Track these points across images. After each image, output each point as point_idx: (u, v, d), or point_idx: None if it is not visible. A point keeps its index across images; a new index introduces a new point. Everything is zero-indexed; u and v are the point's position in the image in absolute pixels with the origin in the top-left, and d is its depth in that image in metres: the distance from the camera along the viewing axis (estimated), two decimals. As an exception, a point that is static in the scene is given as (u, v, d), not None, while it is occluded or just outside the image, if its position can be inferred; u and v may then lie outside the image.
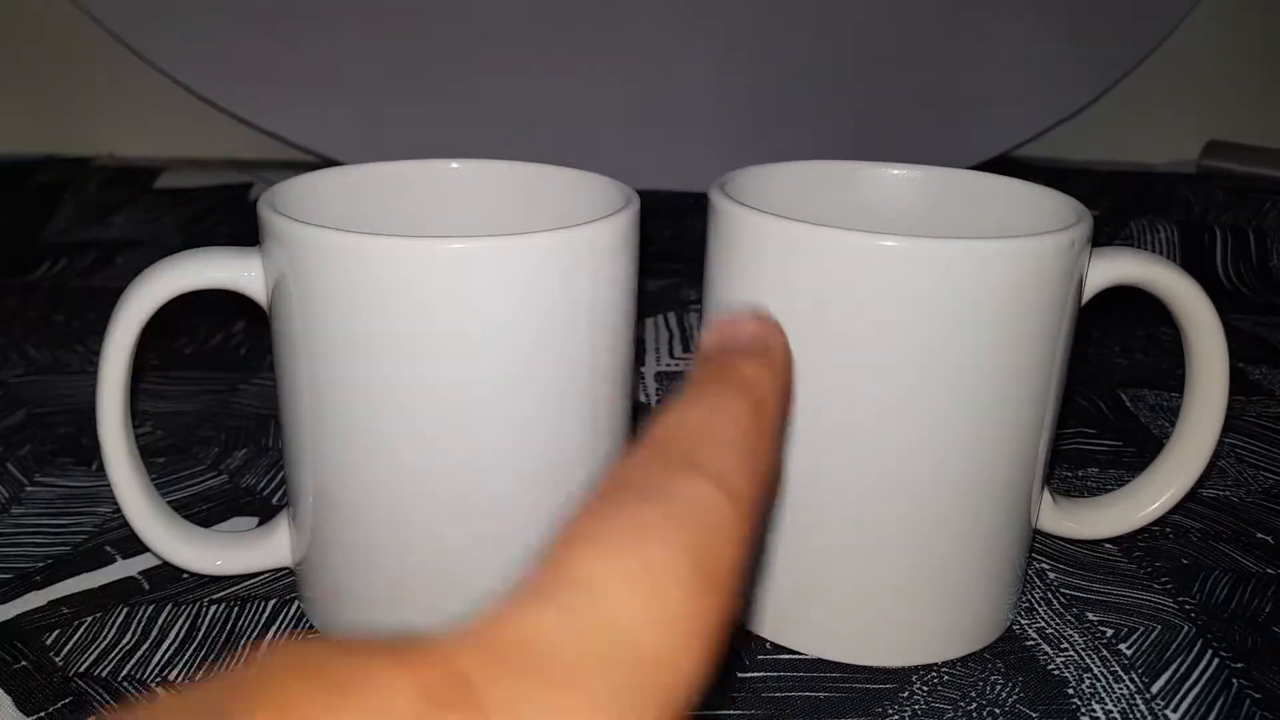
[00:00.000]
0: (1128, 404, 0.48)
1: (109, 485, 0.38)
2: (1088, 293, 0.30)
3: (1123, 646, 0.31)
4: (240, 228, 0.68)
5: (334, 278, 0.26)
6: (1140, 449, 0.44)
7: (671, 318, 0.57)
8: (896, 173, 0.35)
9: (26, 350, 0.50)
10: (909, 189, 0.35)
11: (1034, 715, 0.28)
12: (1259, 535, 0.37)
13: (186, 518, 0.32)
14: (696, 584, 0.14)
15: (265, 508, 0.38)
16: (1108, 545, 0.36)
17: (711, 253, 0.30)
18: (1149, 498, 0.32)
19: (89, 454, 0.41)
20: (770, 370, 0.18)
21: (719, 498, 0.15)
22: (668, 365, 0.51)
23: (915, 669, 0.30)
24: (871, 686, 0.29)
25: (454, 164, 0.34)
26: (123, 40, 0.75)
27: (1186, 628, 0.32)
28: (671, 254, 0.65)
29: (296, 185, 0.31)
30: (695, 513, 0.15)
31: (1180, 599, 0.33)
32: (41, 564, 0.34)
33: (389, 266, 0.26)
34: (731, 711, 0.28)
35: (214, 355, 0.51)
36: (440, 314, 0.26)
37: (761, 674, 0.30)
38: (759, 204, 0.29)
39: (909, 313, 0.27)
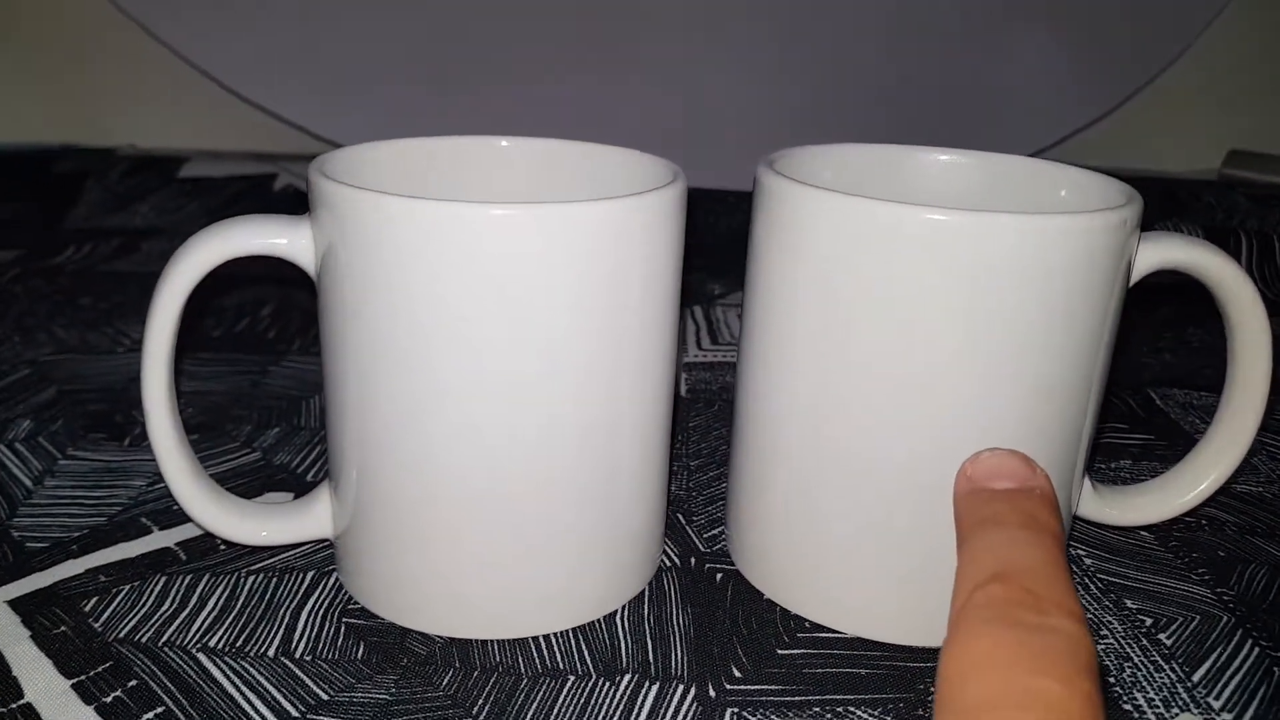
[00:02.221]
0: (1158, 402, 0.48)
1: (143, 460, 0.38)
2: (1135, 275, 0.30)
3: (1162, 636, 0.31)
4: (265, 217, 0.68)
5: (384, 243, 0.26)
6: (1172, 443, 0.44)
7: (699, 311, 0.57)
8: (944, 157, 0.35)
9: (54, 331, 0.51)
10: (957, 173, 0.35)
11: (1077, 698, 0.28)
12: (1294, 530, 0.37)
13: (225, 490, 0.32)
14: (1098, 704, 0.17)
15: (299, 484, 0.38)
16: (1144, 534, 0.36)
17: (757, 233, 0.30)
18: (1190, 483, 0.32)
19: (121, 430, 0.41)
20: (1051, 507, 0.21)
21: (1084, 630, 0.18)
22: (695, 357, 0.51)
23: (956, 651, 0.30)
24: (912, 664, 0.29)
25: (503, 141, 0.34)
26: (147, 29, 0.76)
27: (1225, 618, 0.32)
28: (696, 248, 0.65)
29: (347, 154, 0.31)
30: (1078, 645, 0.18)
31: (1219, 590, 0.33)
32: (78, 534, 0.34)
33: (440, 231, 0.26)
34: (771, 686, 0.28)
35: (242, 338, 0.51)
36: (489, 281, 0.26)
37: (802, 650, 0.30)
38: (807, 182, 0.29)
39: (960, 288, 0.27)
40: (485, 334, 0.26)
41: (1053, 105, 0.81)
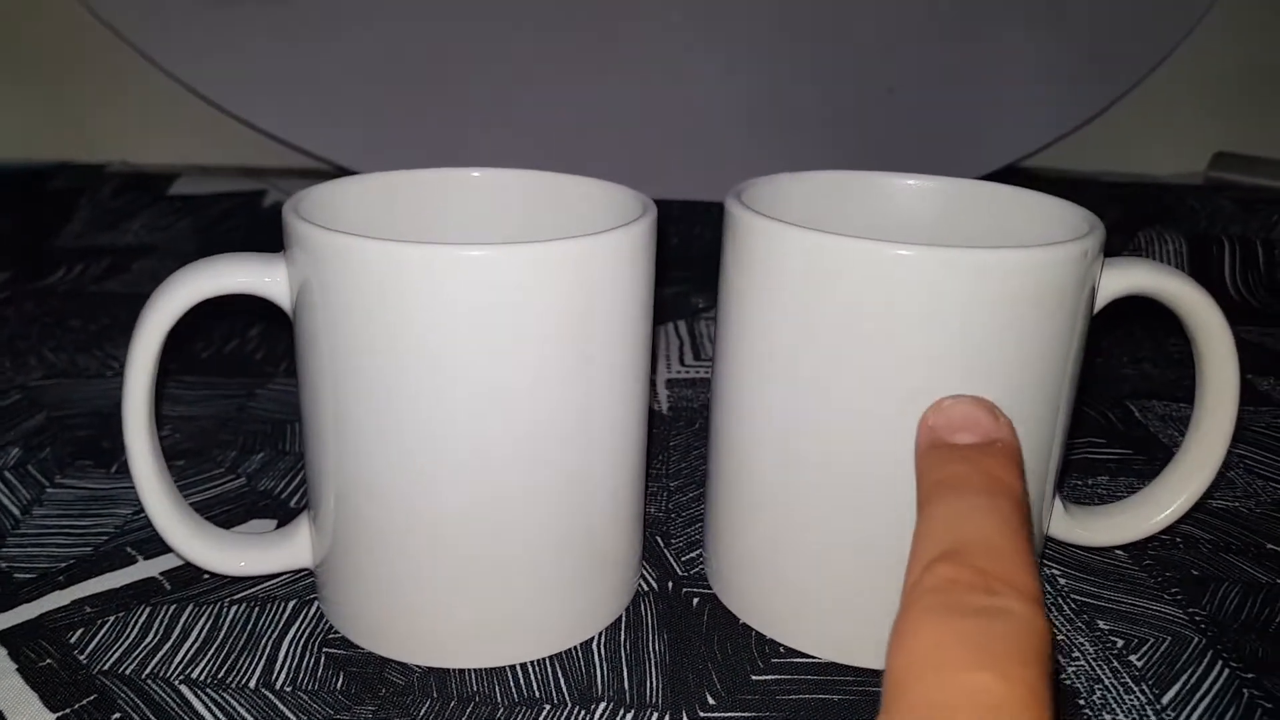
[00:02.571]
0: (1137, 414, 0.48)
1: (129, 488, 0.38)
2: (1100, 302, 0.30)
3: (1133, 658, 0.31)
4: (254, 234, 0.69)
5: (358, 284, 0.26)
6: (1150, 458, 0.44)
7: (681, 325, 0.57)
8: (911, 183, 0.35)
9: (44, 354, 0.51)
10: (923, 199, 0.35)
11: (1046, 721, 0.28)
12: (1269, 546, 0.38)
13: (208, 520, 0.32)
14: (1041, 692, 0.17)
15: (283, 510, 0.38)
16: (1119, 553, 0.37)
17: (727, 263, 0.31)
18: (1160, 505, 0.33)
19: (109, 457, 0.41)
20: (1013, 462, 0.20)
21: (1034, 610, 0.18)
22: (678, 373, 0.52)
23: (928, 674, 0.30)
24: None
25: (474, 173, 0.35)
26: (136, 46, 0.76)
27: (1197, 639, 0.32)
28: (680, 261, 0.66)
29: (319, 192, 0.31)
30: (1025, 629, 0.17)
31: (1190, 610, 0.34)
32: (64, 564, 0.34)
33: (412, 273, 0.26)
34: (744, 714, 0.28)
35: (230, 360, 0.51)
36: (462, 320, 0.26)
37: (775, 676, 0.30)
38: (775, 213, 0.29)
39: (925, 321, 0.27)
40: (458, 371, 0.27)
41: (1039, 110, 0.82)
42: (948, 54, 0.79)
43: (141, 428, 0.29)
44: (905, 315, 0.27)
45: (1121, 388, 0.51)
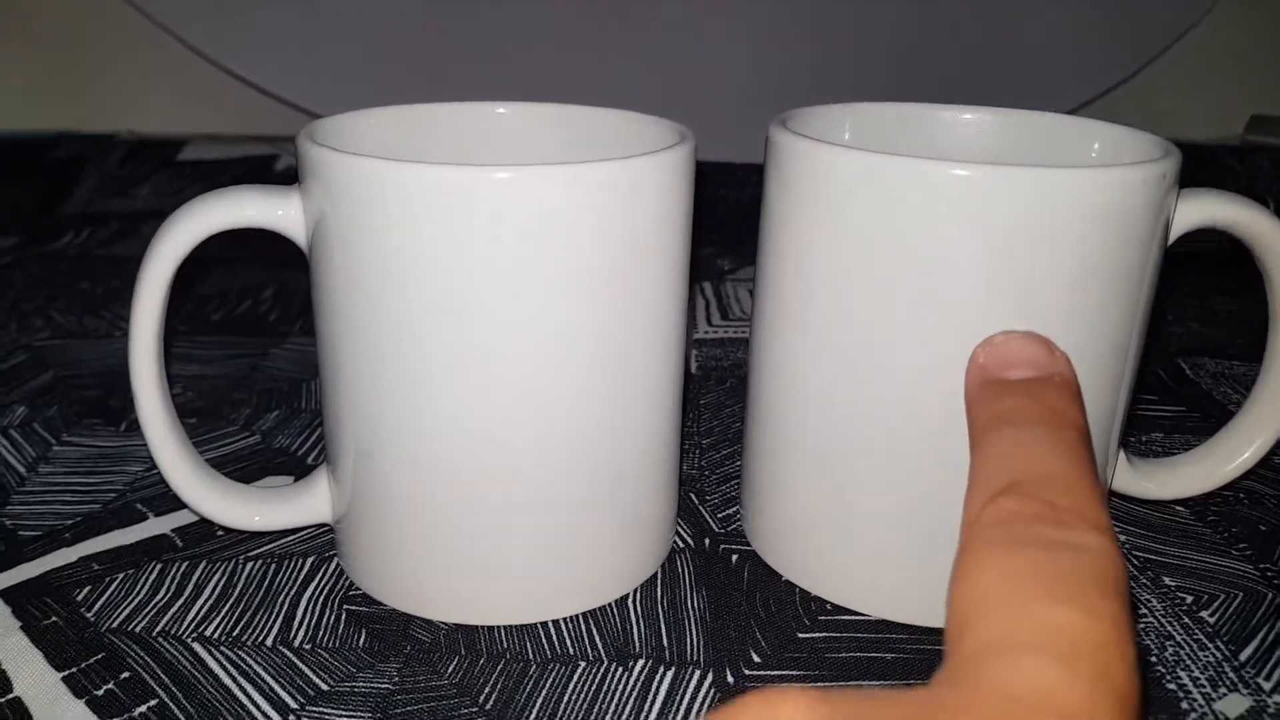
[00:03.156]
0: (1188, 372, 0.46)
1: (139, 445, 0.37)
2: (1174, 233, 0.28)
3: (1205, 614, 0.29)
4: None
5: (378, 212, 0.25)
6: (1205, 415, 0.42)
7: (708, 287, 0.56)
8: (968, 115, 0.33)
9: (52, 315, 0.49)
10: (981, 132, 0.33)
11: (1116, 680, 0.27)
12: (1336, 502, 0.36)
13: (218, 473, 0.30)
14: (1127, 629, 0.15)
15: (300, 467, 0.36)
16: (1180, 509, 0.35)
17: (771, 194, 0.29)
18: (1232, 453, 0.31)
19: (118, 415, 0.39)
20: (1073, 396, 0.19)
21: (1109, 542, 0.16)
22: (706, 333, 0.50)
23: (987, 632, 0.28)
24: (940, 647, 0.28)
25: (500, 108, 0.33)
26: (143, 11, 0.74)
27: (1271, 595, 0.30)
28: (708, 225, 0.64)
29: (339, 122, 0.29)
30: (1102, 561, 0.16)
31: (1261, 565, 0.32)
32: (71, 521, 0.33)
33: (436, 197, 0.24)
34: (792, 672, 0.27)
35: (242, 321, 0.49)
36: (489, 249, 0.25)
37: (824, 634, 0.28)
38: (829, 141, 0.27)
39: (988, 249, 0.25)
40: (486, 306, 0.25)
41: (1072, 71, 0.79)
42: (979, 15, 0.77)
43: (150, 369, 0.27)
44: (963, 242, 0.25)
45: (1170, 345, 0.49)
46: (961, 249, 0.25)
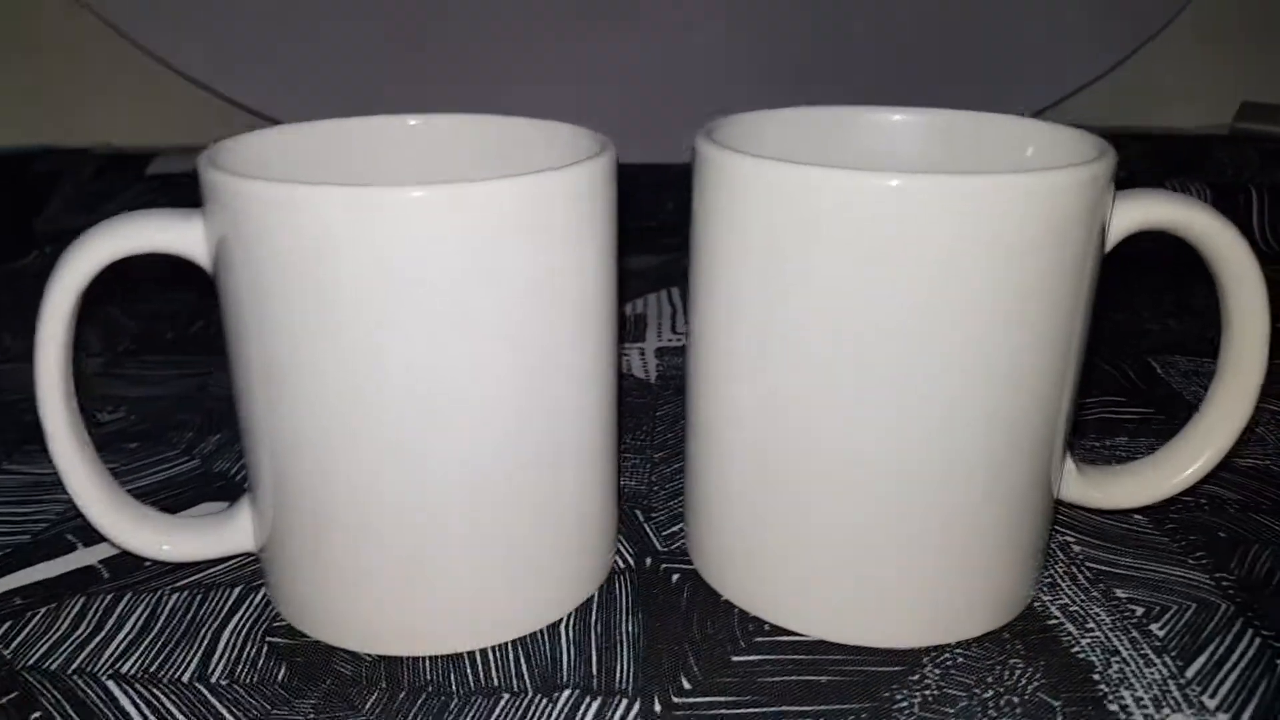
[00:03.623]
0: (1159, 371, 0.45)
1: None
2: (1112, 238, 0.27)
3: (1154, 627, 0.28)
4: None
5: (279, 235, 0.24)
6: (1171, 416, 0.41)
7: (675, 293, 0.55)
8: (898, 117, 0.32)
9: (3, 338, 0.49)
10: (913, 133, 0.32)
11: (1056, 704, 0.26)
12: (1302, 505, 0.35)
13: (154, 503, 0.30)
14: None
15: (237, 493, 0.36)
16: (1138, 517, 0.34)
17: (698, 208, 0.28)
18: (1182, 463, 0.30)
19: (59, 440, 0.39)
20: None
21: None
22: (668, 340, 0.49)
23: (927, 650, 0.28)
24: (879, 669, 0.27)
25: (411, 120, 0.32)
26: (118, 29, 0.74)
27: (1225, 606, 0.29)
28: (675, 228, 0.63)
29: (238, 144, 0.29)
30: None
31: (1217, 575, 0.31)
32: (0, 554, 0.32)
33: (338, 219, 0.23)
34: (723, 698, 0.26)
35: (195, 339, 0.49)
36: (397, 274, 0.24)
37: (758, 657, 0.27)
38: (749, 151, 0.26)
39: (917, 260, 0.24)
40: (397, 330, 0.24)
41: (1058, 59, 0.78)
42: (962, 4, 0.75)
43: (57, 401, 0.27)
44: (890, 254, 0.24)
45: (1142, 343, 0.48)
46: (887, 261, 0.24)
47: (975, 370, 0.25)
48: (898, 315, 0.25)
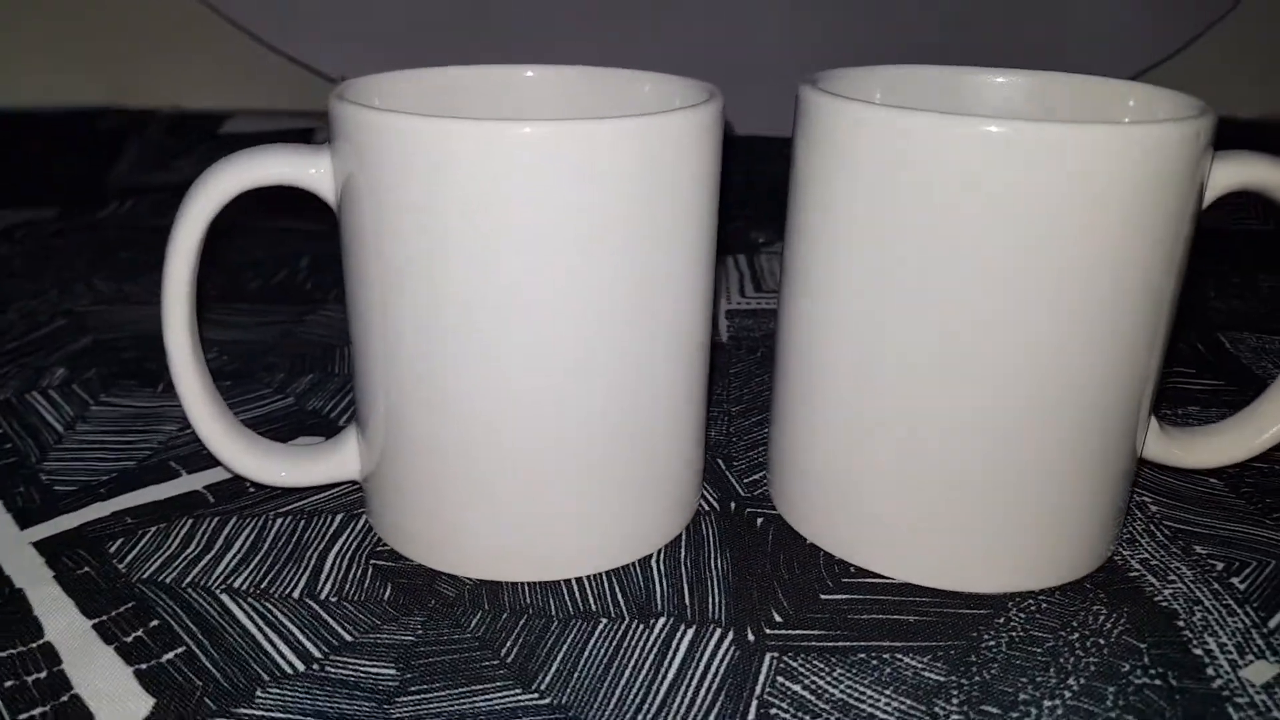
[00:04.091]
0: (1228, 346, 0.45)
1: (174, 406, 0.38)
2: (1209, 196, 0.27)
3: (1235, 580, 0.29)
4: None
5: (405, 167, 0.25)
6: (1242, 389, 0.41)
7: (742, 259, 0.55)
8: (1000, 79, 0.33)
9: (94, 282, 0.50)
10: (1015, 94, 0.32)
11: (1142, 646, 0.26)
12: (1378, 476, 0.35)
13: (248, 429, 0.31)
14: None
15: (332, 430, 0.37)
16: (1213, 480, 0.34)
17: (801, 157, 0.29)
18: (1267, 422, 0.30)
19: (154, 377, 0.40)
20: None
21: None
22: (738, 304, 0.50)
23: (1010, 596, 0.28)
24: (965, 611, 0.28)
25: (529, 71, 0.33)
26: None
27: (1304, 564, 0.30)
28: (741, 199, 0.64)
29: (367, 84, 0.30)
30: None
31: (1296, 535, 0.31)
32: (106, 477, 0.33)
33: (464, 152, 0.24)
34: (813, 631, 0.27)
35: (279, 289, 0.50)
36: (517, 206, 0.25)
37: (846, 596, 0.28)
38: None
39: (1021, 209, 0.25)
40: (514, 264, 0.25)
41: (1118, 43, 0.78)
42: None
43: (183, 326, 0.28)
44: (997, 202, 0.25)
45: (1211, 319, 0.48)
46: (996, 208, 0.25)
47: (1073, 322, 0.26)
48: (999, 264, 0.25)
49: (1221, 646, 0.26)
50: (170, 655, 0.25)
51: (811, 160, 0.28)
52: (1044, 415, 0.27)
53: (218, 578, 0.28)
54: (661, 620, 0.27)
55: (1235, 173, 0.28)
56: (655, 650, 0.26)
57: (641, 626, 0.27)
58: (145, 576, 0.28)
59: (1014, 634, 0.27)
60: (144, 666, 0.25)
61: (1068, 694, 0.25)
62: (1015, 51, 0.76)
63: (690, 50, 0.75)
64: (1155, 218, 0.25)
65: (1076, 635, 0.27)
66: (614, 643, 0.26)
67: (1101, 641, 0.27)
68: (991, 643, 0.26)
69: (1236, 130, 0.72)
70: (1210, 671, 0.25)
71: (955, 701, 0.24)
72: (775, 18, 0.75)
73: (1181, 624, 0.27)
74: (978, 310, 0.26)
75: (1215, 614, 0.28)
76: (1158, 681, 0.25)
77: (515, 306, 0.26)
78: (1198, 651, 0.26)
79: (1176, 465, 0.31)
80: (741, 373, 0.42)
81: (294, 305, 0.48)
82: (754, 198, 0.63)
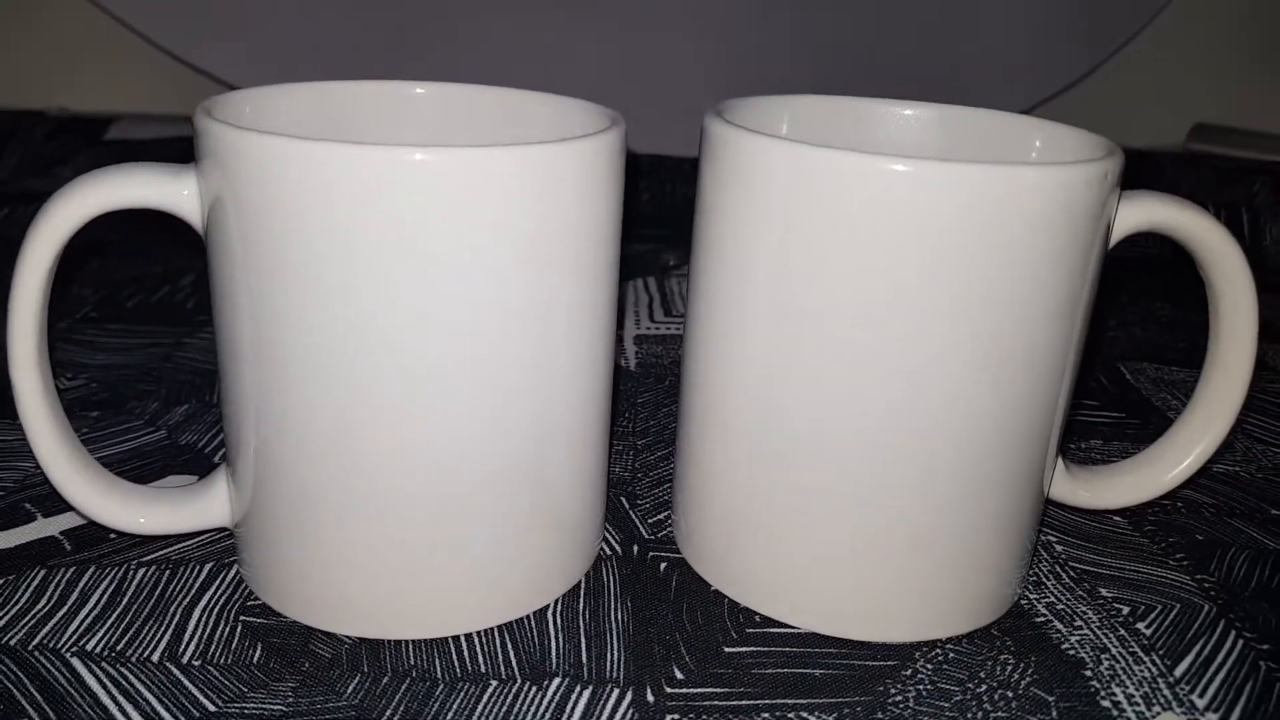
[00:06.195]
0: (1128, 377, 0.46)
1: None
2: (1116, 235, 0.27)
3: (1141, 625, 0.29)
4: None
5: (277, 191, 0.23)
6: (1144, 421, 0.41)
7: (651, 282, 0.54)
8: (908, 111, 0.32)
9: (-47, 300, 0.47)
10: (922, 128, 0.32)
11: (1050, 699, 0.26)
12: (1273, 511, 0.35)
13: (118, 475, 0.28)
14: None
15: (207, 467, 0.34)
16: (1117, 519, 0.34)
17: (705, 187, 0.27)
18: (1172, 461, 0.30)
19: (13, 408, 0.37)
20: None
21: None
22: (647, 329, 0.48)
23: (918, 645, 0.27)
24: (871, 663, 0.27)
25: (419, 88, 0.31)
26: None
27: (1207, 607, 0.30)
28: (651, 219, 0.62)
29: (237, 98, 0.27)
30: None
31: (1198, 576, 0.31)
32: (-49, 522, 0.30)
33: (340, 176, 0.22)
34: (716, 689, 0.25)
35: (158, 308, 0.47)
36: (396, 237, 0.23)
37: (750, 649, 0.27)
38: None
39: (928, 247, 0.24)
40: (392, 297, 0.23)
41: (1014, 76, 0.79)
42: (926, 17, 0.76)
43: (30, 356, 0.25)
44: (901, 239, 0.24)
45: (1111, 350, 0.49)
46: (900, 247, 0.24)
47: (975, 362, 0.25)
48: (903, 303, 0.24)
49: (1129, 697, 0.26)
50: (9, 730, 0.23)
51: (715, 191, 0.27)
52: (951, 456, 0.26)
53: (69, 639, 0.26)
54: (556, 681, 0.25)
55: (1142, 213, 0.28)
56: (549, 716, 0.24)
57: (534, 689, 0.25)
58: (-13, 637, 0.26)
59: (921, 688, 0.26)
60: (-22, 743, 0.23)
61: (976, 753, 0.24)
62: (923, 79, 0.77)
63: (605, 68, 0.74)
64: (1062, 258, 0.25)
65: (984, 688, 0.26)
66: (504, 707, 0.24)
67: (1010, 694, 0.26)
68: (899, 697, 0.25)
69: (1132, 161, 0.73)
70: (1118, 726, 0.25)
71: (861, 765, 0.23)
72: (694, 39, 0.74)
73: (1089, 674, 0.27)
74: (882, 350, 0.25)
75: (1122, 662, 0.27)
76: (1066, 737, 0.24)
77: (393, 342, 0.24)
78: (1105, 703, 0.26)
79: (1083, 506, 0.31)
80: (649, 402, 0.41)
81: (174, 326, 0.45)
82: (666, 219, 0.62)
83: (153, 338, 0.44)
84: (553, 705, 0.25)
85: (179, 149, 0.69)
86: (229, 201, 0.24)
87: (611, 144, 0.25)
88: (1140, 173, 0.73)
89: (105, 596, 0.27)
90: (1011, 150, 0.31)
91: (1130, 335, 0.51)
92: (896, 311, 0.24)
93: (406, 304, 0.23)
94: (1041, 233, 0.24)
